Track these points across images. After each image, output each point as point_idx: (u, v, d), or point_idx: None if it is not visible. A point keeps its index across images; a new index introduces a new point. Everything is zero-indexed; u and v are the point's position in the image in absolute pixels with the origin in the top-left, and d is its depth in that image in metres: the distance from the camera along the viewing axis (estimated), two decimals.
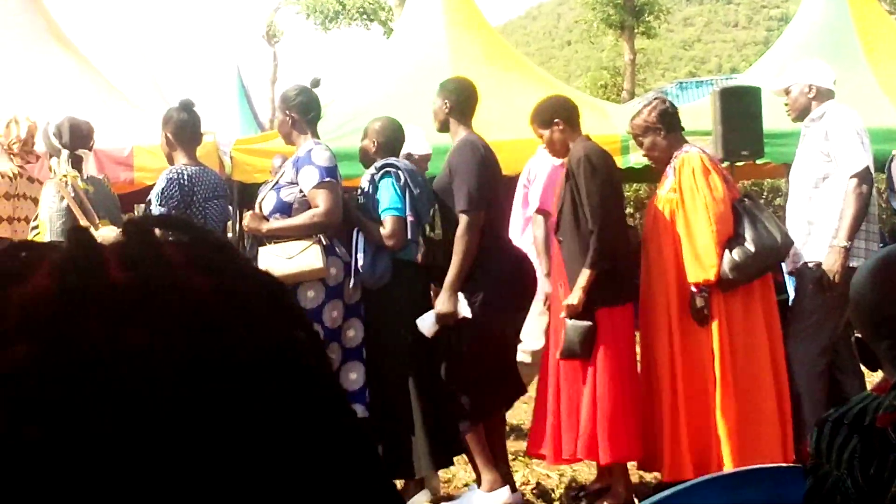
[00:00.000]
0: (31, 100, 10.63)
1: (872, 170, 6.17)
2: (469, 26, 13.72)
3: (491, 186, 5.93)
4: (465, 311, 5.75)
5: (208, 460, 0.59)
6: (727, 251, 5.79)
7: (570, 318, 5.75)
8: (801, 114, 6.45)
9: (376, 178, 6.03)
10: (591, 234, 5.73)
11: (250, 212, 6.01)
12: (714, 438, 5.75)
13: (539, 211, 6.90)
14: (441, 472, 6.46)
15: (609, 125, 10.33)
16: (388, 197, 5.94)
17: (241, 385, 0.62)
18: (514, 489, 6.15)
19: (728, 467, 5.59)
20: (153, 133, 6.13)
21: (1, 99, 9.83)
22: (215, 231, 4.80)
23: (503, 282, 5.88)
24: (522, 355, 6.60)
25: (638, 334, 6.04)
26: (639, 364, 6.01)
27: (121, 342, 0.60)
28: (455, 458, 6.13)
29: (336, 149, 6.11)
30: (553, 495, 6.23)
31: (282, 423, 0.62)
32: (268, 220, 5.79)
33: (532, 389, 6.43)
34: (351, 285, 5.82)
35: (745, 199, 6.10)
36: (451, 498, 6.13)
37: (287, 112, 6.01)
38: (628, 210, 19.71)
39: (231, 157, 11.02)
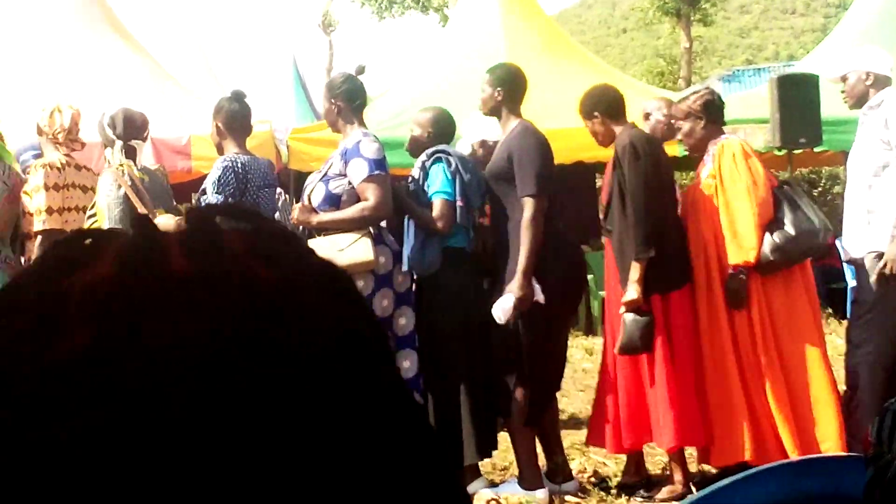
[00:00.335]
0: (88, 89, 10.75)
1: None
2: (525, 15, 13.73)
3: (551, 174, 5.93)
4: (539, 296, 5.73)
5: (272, 450, 0.59)
6: (767, 234, 5.79)
7: (630, 313, 5.73)
8: (859, 101, 6.38)
9: (427, 164, 6.04)
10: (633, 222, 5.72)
11: (299, 204, 6.01)
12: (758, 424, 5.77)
13: None
14: (498, 461, 6.47)
15: None
16: (438, 181, 5.94)
17: (304, 377, 0.61)
18: (570, 477, 6.18)
19: (792, 453, 5.58)
20: (210, 122, 6.16)
21: (59, 88, 9.93)
22: (279, 221, 4.83)
23: (558, 274, 5.86)
24: None
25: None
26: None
27: (181, 331, 0.60)
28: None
29: (392, 138, 6.14)
30: (610, 483, 6.22)
31: (348, 414, 0.62)
32: (317, 212, 5.80)
33: (591, 380, 6.43)
34: (402, 270, 5.85)
35: (785, 185, 6.11)
36: (494, 485, 6.14)
37: (332, 100, 5.98)
38: None
39: (287, 146, 11.09)
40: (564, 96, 9.57)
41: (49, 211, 6.11)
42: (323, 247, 5.59)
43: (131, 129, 6.27)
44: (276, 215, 6.41)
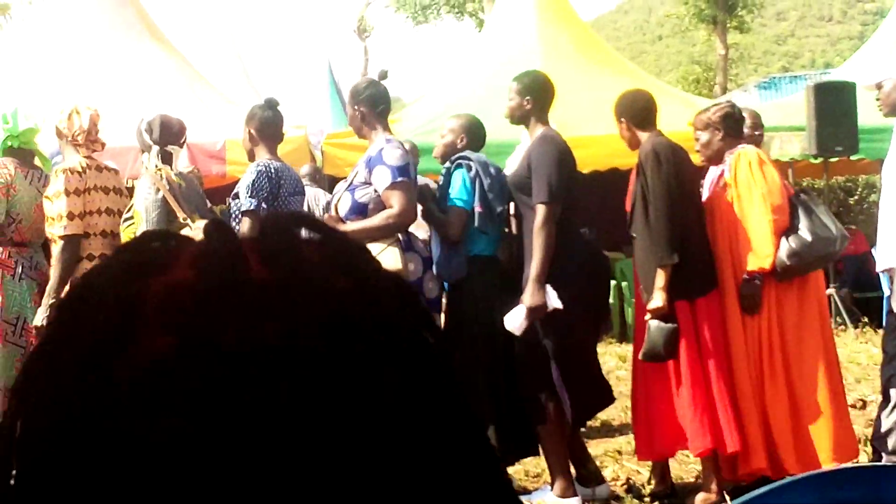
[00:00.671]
0: (125, 94, 10.83)
1: None
2: (560, 21, 13.72)
3: (568, 182, 5.92)
4: (555, 302, 5.70)
5: (345, 455, 0.60)
6: (784, 239, 5.81)
7: (655, 320, 5.73)
8: (894, 109, 6.35)
9: (451, 169, 6.05)
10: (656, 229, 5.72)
11: (326, 214, 6.01)
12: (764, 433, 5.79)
13: None
14: (532, 467, 6.46)
15: None
16: (456, 188, 5.95)
17: (382, 384, 0.63)
18: (602, 480, 6.19)
19: (825, 462, 5.56)
20: (243, 128, 6.19)
21: (96, 93, 9.99)
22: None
23: (580, 279, 5.85)
24: None
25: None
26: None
27: (261, 338, 0.61)
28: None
29: (427, 144, 6.11)
30: (643, 490, 6.20)
31: (416, 421, 0.64)
32: (343, 221, 5.76)
33: (625, 387, 6.42)
34: (433, 276, 5.86)
35: (801, 193, 6.14)
36: (526, 491, 6.14)
37: (356, 106, 5.96)
38: None
39: (322, 152, 11.12)
40: (599, 103, 9.55)
41: (70, 216, 6.15)
42: None
43: (168, 134, 6.31)
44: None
